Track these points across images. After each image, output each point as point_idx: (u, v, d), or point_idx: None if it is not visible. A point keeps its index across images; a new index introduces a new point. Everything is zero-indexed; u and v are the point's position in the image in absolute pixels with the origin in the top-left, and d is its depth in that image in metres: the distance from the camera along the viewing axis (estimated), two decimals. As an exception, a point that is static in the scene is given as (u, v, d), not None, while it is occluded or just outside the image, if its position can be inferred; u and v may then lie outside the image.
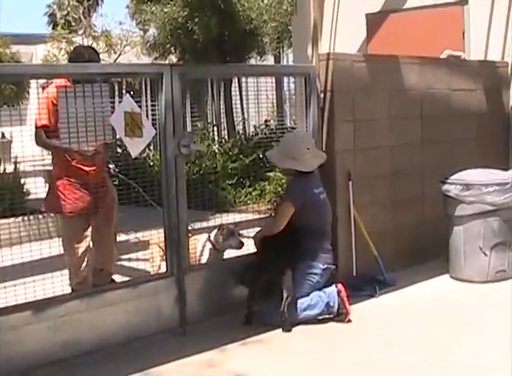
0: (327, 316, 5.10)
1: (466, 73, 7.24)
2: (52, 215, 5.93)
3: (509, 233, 6.06)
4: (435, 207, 6.43)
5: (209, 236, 5.53)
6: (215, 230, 5.51)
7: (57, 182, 5.21)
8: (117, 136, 5.01)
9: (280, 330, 4.91)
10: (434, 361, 4.35)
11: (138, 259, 6.11)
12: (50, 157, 5.35)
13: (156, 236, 5.46)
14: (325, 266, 5.18)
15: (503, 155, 7.29)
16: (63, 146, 4.84)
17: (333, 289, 5.12)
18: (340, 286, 5.14)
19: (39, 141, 5.07)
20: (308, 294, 5.09)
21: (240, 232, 5.66)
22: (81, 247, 5.28)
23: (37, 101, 5.18)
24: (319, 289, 5.14)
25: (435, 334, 4.81)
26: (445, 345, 4.60)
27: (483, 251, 6.00)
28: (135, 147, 4.83)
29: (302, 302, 5.06)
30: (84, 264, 5.30)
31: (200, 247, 5.52)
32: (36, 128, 5.05)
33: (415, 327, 4.98)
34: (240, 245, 5.42)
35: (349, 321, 5.07)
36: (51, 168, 5.36)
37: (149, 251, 5.71)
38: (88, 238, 5.32)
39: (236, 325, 5.00)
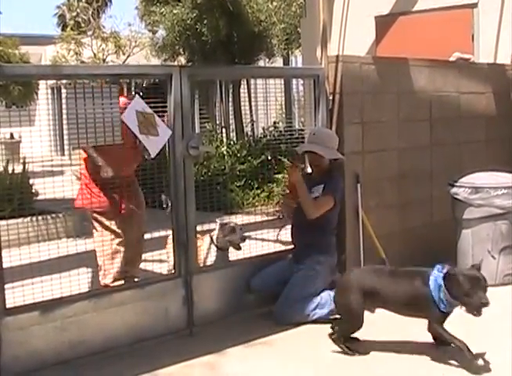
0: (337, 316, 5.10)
1: (476, 76, 7.23)
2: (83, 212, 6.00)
3: (517, 237, 6.05)
4: (443, 210, 6.42)
5: (211, 235, 5.54)
6: (217, 229, 5.54)
7: (87, 181, 5.31)
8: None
9: (287, 331, 4.91)
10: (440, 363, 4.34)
11: (145, 260, 6.11)
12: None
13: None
14: (325, 259, 5.27)
15: (512, 158, 7.26)
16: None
17: None
18: None
19: None
20: (317, 294, 5.10)
21: (242, 229, 5.67)
22: (114, 244, 5.32)
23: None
24: (330, 289, 5.14)
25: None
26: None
27: (491, 254, 5.98)
28: (153, 146, 4.81)
29: (312, 301, 5.07)
30: (118, 259, 5.34)
31: (205, 247, 5.53)
32: None
33: (421, 330, 4.97)
34: (241, 240, 5.51)
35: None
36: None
37: (162, 251, 5.73)
38: (120, 237, 5.35)
39: (244, 326, 5.00)
